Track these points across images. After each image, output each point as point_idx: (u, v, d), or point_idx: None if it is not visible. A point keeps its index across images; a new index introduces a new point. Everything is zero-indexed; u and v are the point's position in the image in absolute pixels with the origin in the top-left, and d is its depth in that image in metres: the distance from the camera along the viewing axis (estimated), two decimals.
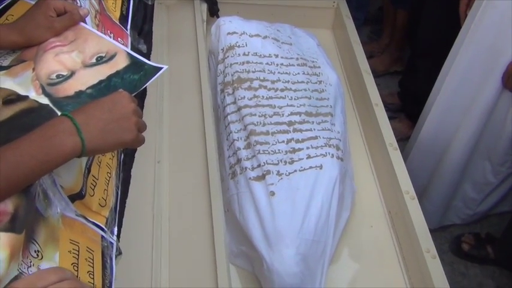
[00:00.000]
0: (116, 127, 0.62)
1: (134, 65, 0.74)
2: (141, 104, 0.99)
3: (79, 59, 0.74)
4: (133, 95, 0.68)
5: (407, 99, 2.12)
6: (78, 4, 0.83)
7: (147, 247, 0.87)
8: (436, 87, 1.48)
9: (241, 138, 1.09)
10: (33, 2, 0.79)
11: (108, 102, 0.62)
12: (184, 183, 1.03)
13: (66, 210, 0.64)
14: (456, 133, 1.50)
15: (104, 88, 0.64)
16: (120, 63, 0.74)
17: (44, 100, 0.67)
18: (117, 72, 0.72)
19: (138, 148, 0.96)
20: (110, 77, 0.68)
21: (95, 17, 0.88)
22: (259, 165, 1.03)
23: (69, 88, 0.65)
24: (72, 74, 0.71)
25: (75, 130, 0.58)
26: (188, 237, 0.95)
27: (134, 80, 0.71)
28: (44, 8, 0.76)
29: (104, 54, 0.74)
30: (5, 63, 0.72)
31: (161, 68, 0.74)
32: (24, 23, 0.76)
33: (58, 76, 0.71)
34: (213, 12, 1.52)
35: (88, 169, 0.71)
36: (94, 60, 0.74)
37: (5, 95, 0.64)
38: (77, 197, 0.67)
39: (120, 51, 0.76)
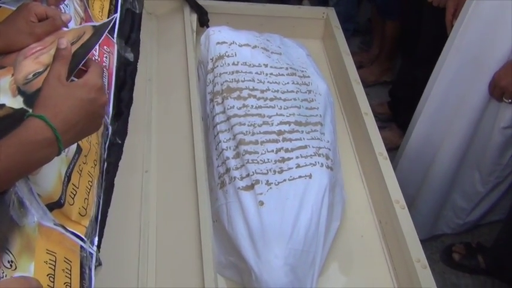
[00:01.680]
0: (89, 126, 0.63)
1: (95, 32, 0.73)
2: (126, 112, 0.97)
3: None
4: (93, 49, 0.67)
5: (399, 109, 2.13)
6: (62, 11, 0.82)
7: (133, 257, 0.86)
8: (424, 96, 1.48)
9: (230, 148, 1.08)
10: (14, 8, 0.78)
11: (85, 102, 0.61)
12: (172, 193, 1.01)
13: (43, 219, 0.62)
14: (444, 142, 1.50)
15: (71, 63, 0.63)
16: (86, 37, 0.72)
17: (19, 102, 0.65)
18: (82, 45, 0.70)
19: (125, 157, 0.95)
20: (75, 52, 0.67)
21: (80, 24, 0.87)
22: (248, 175, 1.02)
23: (42, 80, 0.63)
24: (47, 68, 0.70)
25: (56, 140, 0.57)
26: (175, 247, 0.93)
27: (94, 41, 0.70)
28: (25, 13, 0.75)
29: (75, 39, 0.73)
30: None
31: (113, 18, 0.74)
32: (5, 29, 0.74)
33: (34, 74, 0.69)
34: (203, 22, 1.51)
35: (68, 177, 0.69)
36: None
37: None
38: (55, 205, 0.66)
39: (88, 28, 0.75)
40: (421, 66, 1.89)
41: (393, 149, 1.81)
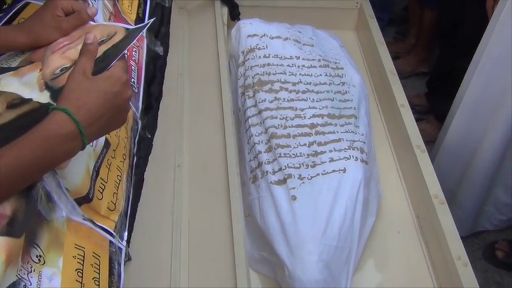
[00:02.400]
0: (113, 121, 0.62)
1: (128, 34, 0.73)
2: (156, 106, 0.97)
3: None
4: (124, 51, 0.67)
5: (436, 100, 2.06)
6: (91, 5, 0.82)
7: (165, 252, 0.85)
8: (463, 86, 1.43)
9: (262, 142, 1.07)
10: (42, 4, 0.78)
11: (110, 95, 0.60)
12: (204, 187, 1.01)
13: (72, 214, 0.62)
14: (485, 134, 1.44)
15: (99, 62, 0.63)
16: (117, 38, 0.72)
17: (45, 97, 0.66)
18: (113, 46, 0.70)
19: (156, 152, 0.94)
20: (105, 52, 0.67)
21: (109, 19, 0.87)
22: (280, 169, 1.00)
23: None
24: (74, 63, 0.71)
25: (79, 134, 0.57)
26: (208, 242, 0.92)
27: (127, 43, 0.70)
28: (51, 8, 0.75)
29: (105, 38, 0.73)
30: (14, 64, 0.72)
31: (148, 23, 0.73)
32: (32, 24, 0.75)
33: (61, 70, 0.70)
34: (234, 15, 1.50)
35: (96, 172, 0.69)
36: None
37: (10, 99, 0.63)
38: (83, 200, 0.66)
39: (120, 29, 0.75)
40: (461, 55, 1.82)
41: (431, 142, 1.75)
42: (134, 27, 0.75)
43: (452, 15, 1.92)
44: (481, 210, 1.66)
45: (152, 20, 0.74)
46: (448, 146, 1.52)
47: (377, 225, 1.05)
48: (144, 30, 0.73)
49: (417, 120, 1.19)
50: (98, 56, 0.64)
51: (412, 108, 1.21)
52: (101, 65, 0.63)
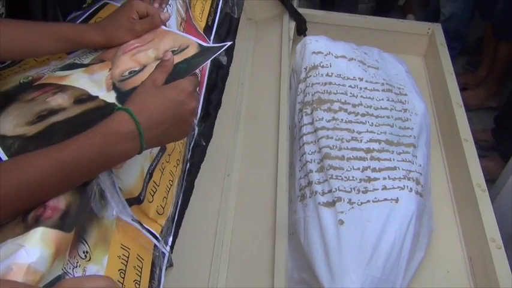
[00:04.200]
0: (175, 130, 0.62)
1: (202, 51, 0.74)
2: (214, 115, 0.98)
3: (153, 54, 0.75)
4: (196, 70, 0.68)
5: (503, 138, 1.96)
6: (165, 11, 0.85)
7: (205, 261, 0.85)
8: None
9: (314, 161, 1.05)
10: (119, 5, 0.81)
11: (173, 103, 0.60)
12: (251, 200, 1.00)
13: (122, 214, 0.63)
14: None
15: (171, 76, 0.64)
16: (190, 52, 0.73)
17: (112, 97, 0.67)
18: (185, 60, 0.71)
19: (208, 159, 0.95)
20: (177, 64, 0.68)
21: (180, 24, 0.89)
22: (330, 191, 0.98)
23: (138, 80, 0.65)
24: (143, 68, 0.72)
25: (138, 135, 0.58)
26: (249, 256, 0.92)
27: (199, 61, 0.71)
28: (127, 10, 0.78)
29: (176, 48, 0.74)
30: (86, 61, 0.75)
31: (225, 45, 0.73)
32: (107, 24, 0.78)
33: (130, 72, 0.72)
34: (301, 31, 1.50)
35: (150, 174, 0.70)
36: None
37: (78, 94, 0.66)
38: (134, 201, 0.67)
39: (193, 43, 0.76)
40: None
41: (492, 181, 1.66)
42: (209, 45, 0.75)
43: None
44: None
45: (229, 43, 0.75)
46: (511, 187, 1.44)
47: (425, 262, 1.00)
48: (220, 52, 0.73)
49: (480, 156, 1.13)
50: None
51: (476, 143, 1.15)
52: (171, 77, 0.64)
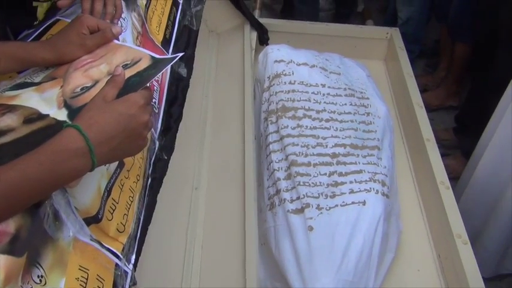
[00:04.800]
0: (128, 145, 0.61)
1: (154, 64, 0.73)
2: (175, 128, 0.97)
3: (106, 69, 0.73)
4: (148, 83, 0.67)
5: (464, 136, 2.00)
6: (119, 25, 0.83)
7: (175, 277, 0.83)
8: (493, 124, 1.38)
9: (281, 169, 1.05)
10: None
11: (124, 116, 0.59)
12: (220, 212, 0.99)
13: (79, 234, 0.61)
14: None
15: (121, 88, 0.62)
16: (143, 65, 0.72)
17: (63, 114, 0.65)
18: (137, 73, 0.70)
19: (175, 173, 0.93)
20: (129, 78, 0.66)
21: (137, 38, 0.87)
22: (298, 198, 0.98)
23: (89, 96, 0.63)
24: (95, 83, 0.70)
25: (88, 151, 0.55)
26: (220, 269, 0.90)
27: (151, 74, 0.69)
28: (77, 25, 0.76)
29: (129, 62, 0.73)
30: (37, 79, 0.72)
31: (177, 56, 0.72)
32: (57, 40, 0.76)
33: (82, 89, 0.70)
34: (263, 40, 1.50)
35: (108, 192, 0.68)
36: None
37: (27, 114, 0.63)
38: (92, 220, 0.64)
39: (145, 56, 0.74)
40: (493, 91, 1.77)
41: (456, 179, 1.70)
42: (161, 57, 0.74)
43: (485, 49, 1.88)
44: (506, 251, 1.59)
45: (181, 54, 0.73)
46: (475, 183, 1.46)
47: (396, 262, 1.01)
48: (172, 63, 0.72)
49: (443, 155, 1.15)
50: None
51: (438, 143, 1.17)
52: (123, 91, 0.63)
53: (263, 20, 1.54)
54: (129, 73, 0.67)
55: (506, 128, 1.34)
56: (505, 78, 1.42)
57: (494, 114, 1.38)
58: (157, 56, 0.74)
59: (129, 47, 0.77)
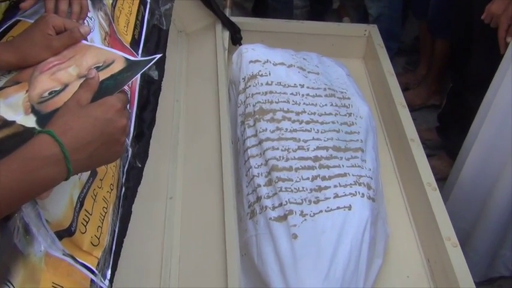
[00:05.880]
0: (105, 151, 0.60)
1: (129, 66, 0.73)
2: (148, 134, 0.97)
3: (75, 72, 0.73)
4: (124, 87, 0.67)
5: (448, 135, 2.06)
6: (85, 24, 0.83)
7: None
8: (477, 122, 1.42)
9: (261, 174, 1.06)
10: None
11: (100, 121, 0.59)
12: (197, 222, 0.99)
13: (51, 249, 0.60)
14: (502, 173, 1.42)
15: (97, 94, 0.62)
16: (116, 68, 0.72)
17: (31, 121, 0.65)
18: (111, 76, 0.70)
19: (148, 182, 0.93)
20: (103, 81, 0.66)
21: (104, 39, 0.87)
22: (280, 204, 0.99)
23: (60, 101, 0.63)
24: (65, 87, 0.70)
25: (63, 158, 0.55)
26: (200, 283, 0.90)
27: (127, 77, 0.70)
28: (42, 25, 0.75)
29: (101, 64, 0.73)
30: None
31: (154, 58, 0.72)
32: (20, 42, 0.75)
33: (50, 93, 0.69)
34: (236, 40, 1.51)
35: (81, 203, 0.68)
36: None
37: None
38: (65, 233, 0.64)
39: (119, 58, 0.74)
40: (472, 88, 1.82)
41: (442, 179, 1.74)
42: (136, 59, 0.74)
43: (464, 45, 1.93)
44: (496, 254, 1.63)
45: (158, 56, 0.74)
46: (463, 184, 1.50)
47: (384, 268, 1.03)
48: (149, 66, 0.72)
49: (428, 156, 1.18)
50: None
51: (422, 143, 1.20)
52: (98, 95, 0.62)
53: (235, 19, 1.55)
54: (102, 76, 0.67)
55: (490, 127, 1.38)
56: (480, 76, 1.47)
57: (478, 113, 1.43)
58: (132, 58, 0.74)
59: (99, 48, 0.77)
